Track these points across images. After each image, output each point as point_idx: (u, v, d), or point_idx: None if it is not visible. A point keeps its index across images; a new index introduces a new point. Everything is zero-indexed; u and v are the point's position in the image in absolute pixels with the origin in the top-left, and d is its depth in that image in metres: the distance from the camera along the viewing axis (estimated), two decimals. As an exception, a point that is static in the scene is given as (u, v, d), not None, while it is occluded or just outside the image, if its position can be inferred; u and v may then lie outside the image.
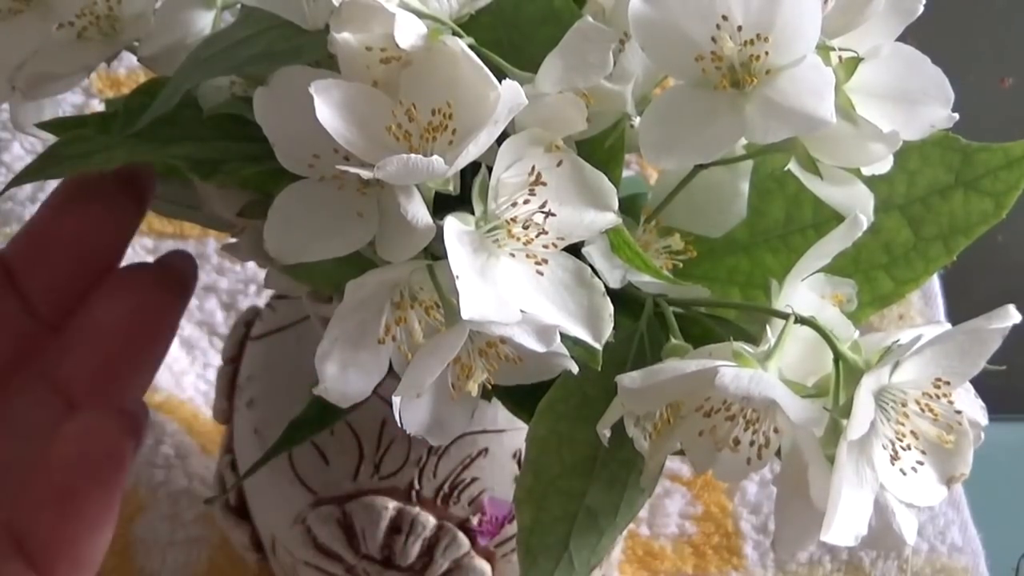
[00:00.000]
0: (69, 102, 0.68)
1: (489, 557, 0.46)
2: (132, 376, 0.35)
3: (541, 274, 0.30)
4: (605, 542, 0.35)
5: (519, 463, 0.45)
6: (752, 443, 0.31)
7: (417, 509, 0.45)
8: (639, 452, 0.33)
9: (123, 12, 0.36)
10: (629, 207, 0.33)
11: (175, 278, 0.36)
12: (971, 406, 0.31)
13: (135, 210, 0.36)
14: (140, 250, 0.66)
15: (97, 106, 0.69)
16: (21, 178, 0.35)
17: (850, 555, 0.59)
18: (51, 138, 0.37)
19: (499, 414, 0.43)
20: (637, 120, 0.32)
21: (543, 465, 0.34)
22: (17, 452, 0.33)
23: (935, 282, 0.67)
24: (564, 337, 0.30)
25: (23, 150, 0.68)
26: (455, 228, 0.28)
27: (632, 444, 0.33)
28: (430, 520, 0.45)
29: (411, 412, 0.32)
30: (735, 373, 0.29)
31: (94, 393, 0.34)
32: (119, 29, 0.36)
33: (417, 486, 0.45)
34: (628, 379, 0.30)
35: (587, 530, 0.34)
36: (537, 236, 0.30)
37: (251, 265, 0.64)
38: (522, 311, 0.29)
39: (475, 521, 0.45)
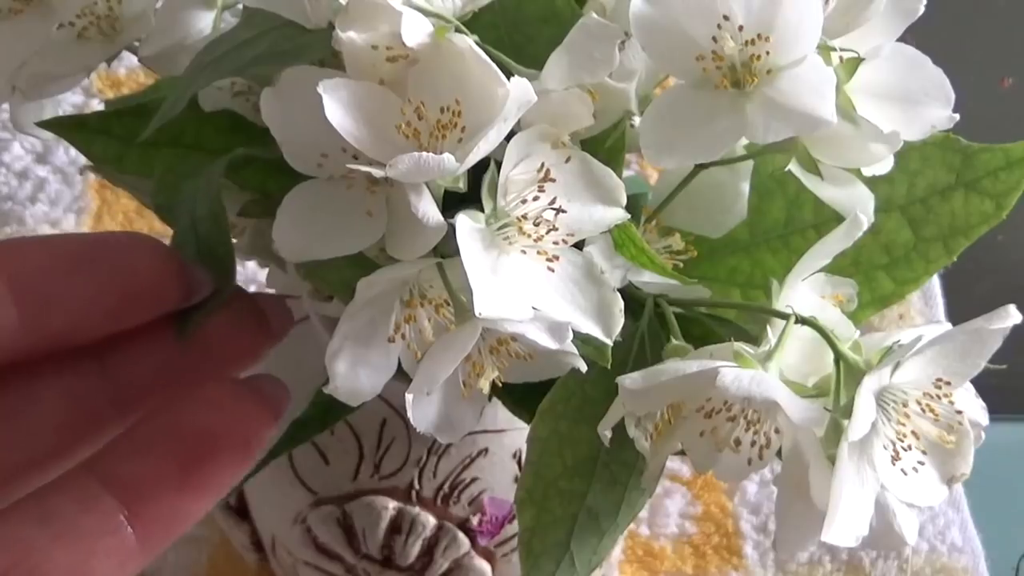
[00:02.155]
0: (69, 102, 0.68)
1: (489, 557, 0.46)
2: (202, 493, 0.32)
3: (552, 270, 0.30)
4: (606, 542, 0.35)
5: (519, 463, 0.45)
6: (753, 443, 0.31)
7: (417, 509, 0.45)
8: (640, 453, 0.33)
9: (123, 12, 0.36)
10: (629, 207, 0.33)
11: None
12: (972, 406, 0.31)
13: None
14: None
15: (97, 106, 0.69)
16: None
17: (850, 555, 0.59)
18: (51, 138, 0.37)
19: (499, 414, 0.43)
20: (638, 119, 0.32)
21: (544, 466, 0.34)
22: (54, 558, 0.29)
23: (935, 282, 0.67)
24: (573, 334, 0.30)
25: (23, 150, 0.68)
26: (466, 226, 0.28)
27: (633, 445, 0.33)
28: (430, 520, 0.45)
29: (421, 410, 0.31)
30: (736, 374, 0.29)
31: (158, 502, 0.31)
32: (119, 29, 0.36)
33: (417, 486, 0.45)
34: (629, 380, 0.30)
35: (588, 530, 0.34)
36: (547, 233, 0.30)
37: (251, 265, 0.64)
38: (534, 308, 0.29)
39: (475, 521, 0.45)
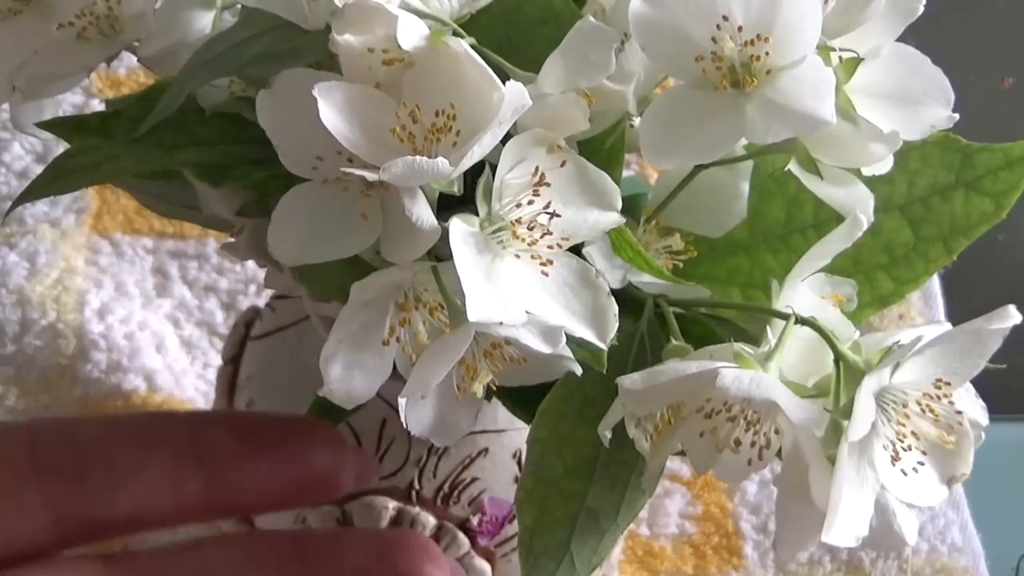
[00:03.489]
0: (69, 102, 0.68)
1: (489, 557, 0.46)
2: None
3: (546, 275, 0.30)
4: (606, 543, 0.35)
5: (519, 463, 0.45)
6: (753, 444, 0.31)
7: (417, 509, 0.45)
8: (640, 453, 0.33)
9: (123, 12, 0.36)
10: (629, 207, 0.33)
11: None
12: (972, 406, 0.31)
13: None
14: (140, 250, 0.66)
15: (97, 106, 0.69)
16: (28, 195, 0.35)
17: (850, 555, 0.59)
18: (51, 138, 0.37)
19: (499, 414, 0.43)
20: (637, 120, 0.32)
21: (544, 466, 0.34)
22: None
23: (935, 282, 0.67)
24: (568, 338, 0.30)
25: (23, 150, 0.68)
26: (460, 229, 0.28)
27: (633, 445, 0.33)
28: (430, 520, 0.45)
29: (416, 413, 0.32)
30: (736, 375, 0.29)
31: None
32: (119, 29, 0.36)
33: (417, 486, 0.45)
34: (629, 381, 0.30)
35: (588, 531, 0.34)
36: (542, 237, 0.30)
37: (251, 265, 0.64)
38: (527, 312, 0.29)
39: (475, 521, 0.45)
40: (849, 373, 0.31)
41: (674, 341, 0.33)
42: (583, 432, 0.34)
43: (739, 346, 0.31)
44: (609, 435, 0.32)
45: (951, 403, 0.31)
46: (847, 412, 0.29)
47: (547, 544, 0.34)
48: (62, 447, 0.33)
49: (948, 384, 0.31)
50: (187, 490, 0.34)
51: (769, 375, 0.30)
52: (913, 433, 0.31)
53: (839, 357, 0.31)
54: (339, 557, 0.34)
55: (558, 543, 0.34)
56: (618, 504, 0.35)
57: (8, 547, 0.32)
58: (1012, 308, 0.30)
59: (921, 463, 0.31)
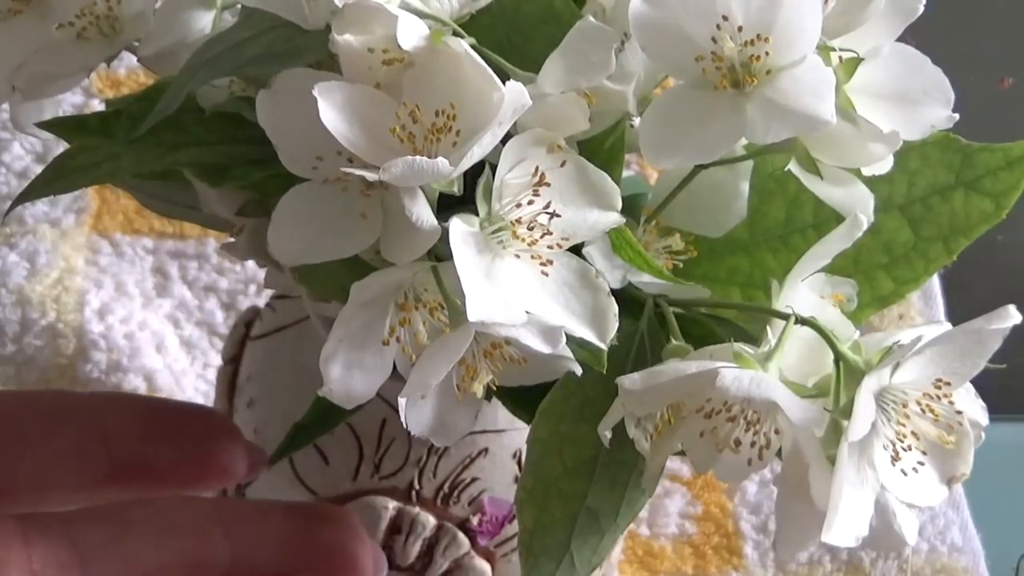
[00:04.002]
0: (69, 102, 0.68)
1: (489, 557, 0.46)
2: None
3: (546, 275, 0.30)
4: (606, 543, 0.35)
5: (519, 463, 0.45)
6: (753, 444, 0.31)
7: (417, 509, 0.45)
8: (640, 453, 0.33)
9: (123, 12, 0.36)
10: (629, 207, 0.33)
11: None
12: (971, 406, 0.31)
13: None
14: (140, 250, 0.66)
15: (97, 106, 0.69)
16: (27, 194, 0.35)
17: (850, 555, 0.59)
18: (51, 138, 0.37)
19: (499, 414, 0.43)
20: (637, 120, 0.32)
21: (544, 466, 0.34)
22: None
23: (935, 282, 0.67)
24: (568, 338, 0.30)
25: (23, 150, 0.68)
26: (460, 229, 0.29)
27: (633, 445, 0.33)
28: (430, 520, 0.45)
29: (416, 413, 0.32)
30: (736, 375, 0.29)
31: None
32: (119, 29, 0.36)
33: (417, 486, 0.45)
34: (629, 381, 0.30)
35: (588, 531, 0.34)
36: (542, 237, 0.30)
37: (251, 265, 0.64)
38: (527, 312, 0.29)
39: (475, 521, 0.45)
40: (849, 373, 0.31)
41: (674, 341, 0.33)
42: (583, 432, 0.34)
43: (739, 346, 0.31)
44: (609, 435, 0.32)
45: (951, 403, 0.31)
46: (847, 412, 0.29)
47: (547, 544, 0.34)
48: None
49: (948, 384, 0.31)
50: (92, 467, 0.35)
51: (769, 375, 0.30)
52: (913, 433, 0.31)
53: (839, 357, 0.31)
54: (264, 526, 0.35)
55: (558, 543, 0.34)
56: (618, 504, 0.35)
57: None
58: (1012, 308, 0.30)
59: (921, 463, 0.31)
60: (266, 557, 0.34)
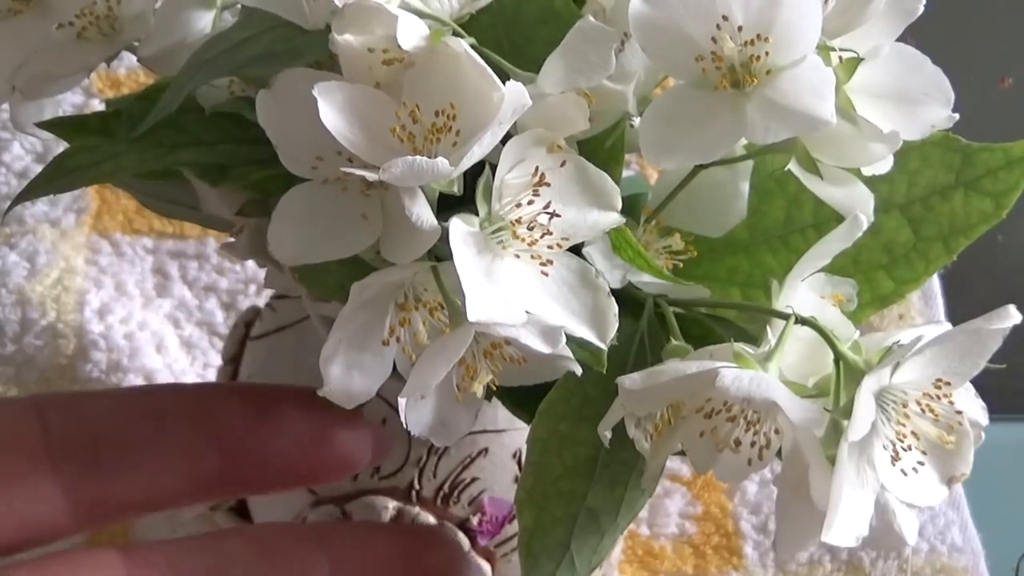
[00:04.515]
0: (69, 102, 0.68)
1: (489, 557, 0.46)
2: None
3: (546, 275, 0.30)
4: (606, 543, 0.35)
5: (519, 463, 0.45)
6: (753, 444, 0.31)
7: (417, 509, 0.45)
8: (640, 453, 0.33)
9: (123, 12, 0.36)
10: (629, 207, 0.33)
11: None
12: (971, 406, 0.31)
13: None
14: (140, 250, 0.66)
15: (97, 106, 0.69)
16: (27, 193, 0.35)
17: (850, 555, 0.59)
18: (51, 138, 0.37)
19: (499, 414, 0.43)
20: (637, 120, 0.32)
21: (544, 466, 0.34)
22: None
23: (935, 282, 0.67)
24: (568, 338, 0.30)
25: (23, 150, 0.68)
26: (460, 229, 0.29)
27: (633, 445, 0.33)
28: (430, 520, 0.45)
29: (416, 413, 0.32)
30: (736, 375, 0.29)
31: None
32: (119, 29, 0.36)
33: (417, 486, 0.45)
34: (629, 381, 0.30)
35: (588, 531, 0.34)
36: (542, 237, 0.30)
37: (251, 265, 0.64)
38: (527, 312, 0.29)
39: (475, 521, 0.45)
40: (849, 373, 0.31)
41: (674, 341, 0.33)
42: (583, 432, 0.34)
43: (739, 346, 0.31)
44: (609, 435, 0.32)
45: (951, 403, 0.31)
46: (847, 412, 0.29)
47: (547, 544, 0.34)
48: (73, 426, 0.32)
49: (948, 384, 0.31)
50: (203, 466, 0.33)
51: (769, 375, 0.30)
52: (913, 433, 0.31)
53: (839, 357, 0.31)
54: (366, 550, 0.34)
55: (558, 543, 0.34)
56: (618, 504, 0.35)
57: (22, 531, 0.31)
58: (1012, 308, 0.30)
59: (921, 463, 0.31)
60: None
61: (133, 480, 0.32)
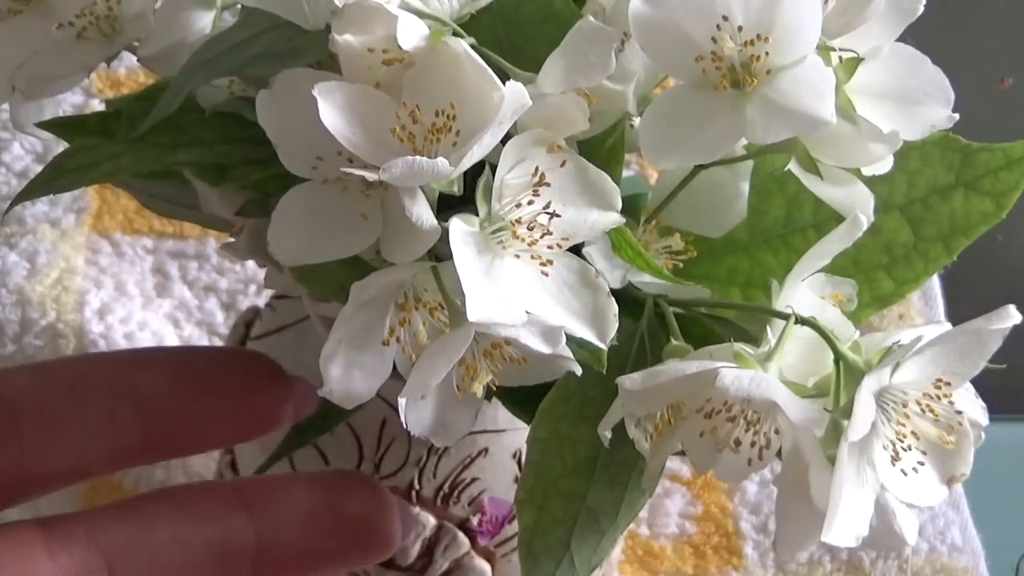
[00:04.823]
0: (69, 102, 0.68)
1: (489, 557, 0.46)
2: None
3: (546, 275, 0.30)
4: (606, 543, 0.35)
5: (519, 463, 0.45)
6: (753, 444, 0.31)
7: (417, 509, 0.45)
8: (640, 453, 0.33)
9: (123, 12, 0.36)
10: (629, 207, 0.33)
11: None
12: (971, 406, 0.31)
13: None
14: (140, 250, 0.66)
15: (97, 106, 0.69)
16: (27, 193, 0.35)
17: (850, 555, 0.59)
18: (51, 138, 0.37)
19: (499, 414, 0.43)
20: (637, 120, 0.32)
21: (544, 466, 0.34)
22: None
23: (935, 282, 0.67)
24: (568, 338, 0.30)
25: (23, 150, 0.68)
26: (460, 229, 0.29)
27: (633, 445, 0.33)
28: (430, 520, 0.45)
29: (416, 413, 0.32)
30: (736, 375, 0.29)
31: None
32: (119, 29, 0.36)
33: (417, 486, 0.45)
34: (628, 381, 0.30)
35: (588, 531, 0.34)
36: (542, 237, 0.30)
37: (251, 265, 0.64)
38: (528, 312, 0.29)
39: (475, 521, 0.45)
40: (849, 373, 0.31)
41: (674, 341, 0.33)
42: (583, 432, 0.34)
43: (739, 346, 0.31)
44: (609, 435, 0.32)
45: (951, 403, 0.31)
46: (847, 412, 0.29)
47: (547, 544, 0.34)
48: None
49: (948, 384, 0.31)
50: (125, 434, 0.33)
51: (769, 375, 0.30)
52: (913, 433, 0.31)
53: (839, 357, 0.31)
54: (288, 503, 0.34)
55: (558, 543, 0.34)
56: (618, 504, 0.35)
57: None
58: (1012, 308, 0.30)
59: (921, 463, 0.31)
60: (293, 534, 0.33)
61: (54, 451, 0.32)
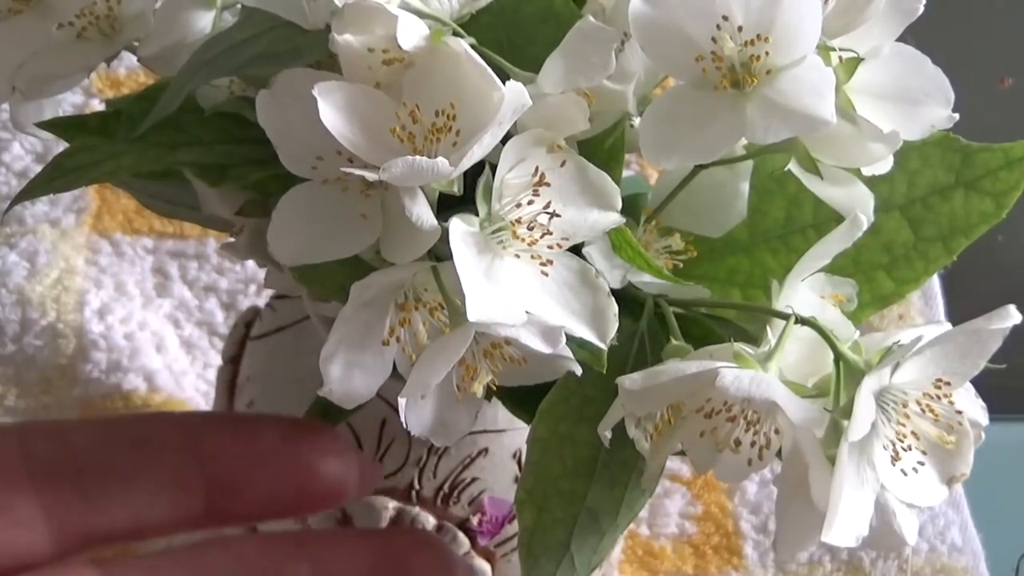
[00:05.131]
0: (69, 102, 0.68)
1: (489, 557, 0.46)
2: None
3: (546, 275, 0.30)
4: (606, 543, 0.35)
5: (519, 463, 0.45)
6: (753, 444, 0.31)
7: (417, 509, 0.45)
8: (640, 453, 0.33)
9: (123, 12, 0.36)
10: (629, 207, 0.33)
11: None
12: (971, 406, 0.31)
13: None
14: (140, 250, 0.66)
15: (97, 106, 0.69)
16: (27, 193, 0.35)
17: (850, 555, 0.59)
18: (51, 138, 0.37)
19: (499, 414, 0.43)
20: (637, 120, 0.32)
21: (544, 466, 0.34)
22: None
23: (935, 282, 0.67)
24: (568, 338, 0.30)
25: (23, 150, 0.68)
26: (460, 229, 0.29)
27: (633, 445, 0.33)
28: (430, 520, 0.45)
29: (416, 413, 0.32)
30: (736, 375, 0.29)
31: None
32: (119, 29, 0.36)
33: (417, 486, 0.45)
34: (628, 381, 0.30)
35: (588, 531, 0.34)
36: (542, 237, 0.30)
37: (251, 265, 0.64)
38: (528, 312, 0.29)
39: (475, 521, 0.45)
40: (849, 373, 0.31)
41: (674, 341, 0.33)
42: (583, 432, 0.34)
43: (739, 346, 0.31)
44: (609, 435, 0.32)
45: (951, 403, 0.31)
46: (847, 412, 0.29)
47: (547, 544, 0.34)
48: (57, 453, 0.32)
49: (948, 384, 0.31)
50: (188, 498, 0.33)
51: (769, 375, 0.30)
52: (913, 433, 0.31)
53: (839, 357, 0.31)
54: (347, 558, 0.33)
55: (558, 543, 0.34)
56: (618, 504, 0.35)
57: (4, 558, 0.31)
58: (1012, 308, 0.30)
59: (921, 463, 0.31)
60: None
61: (116, 509, 0.32)
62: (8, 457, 0.32)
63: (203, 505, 0.33)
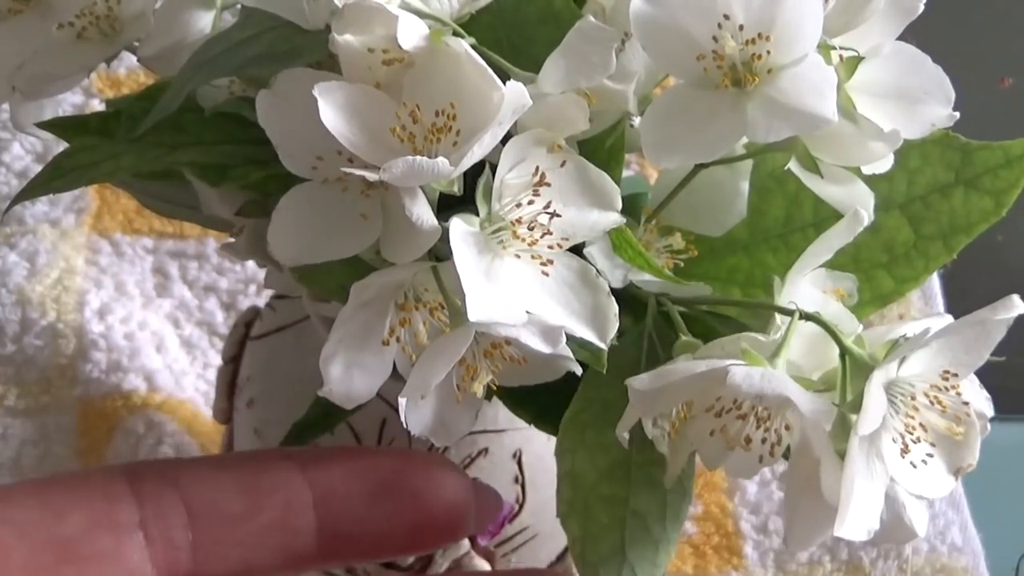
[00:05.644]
0: (69, 102, 0.68)
1: (489, 557, 0.46)
2: None
3: (546, 275, 0.30)
4: (663, 555, 0.34)
5: (519, 463, 0.45)
6: (764, 441, 0.31)
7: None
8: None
9: (123, 12, 0.36)
10: (630, 207, 0.33)
11: None
12: (976, 397, 0.31)
13: None
14: (140, 250, 0.66)
15: (97, 106, 0.69)
16: (27, 193, 0.35)
17: (850, 555, 0.59)
18: (51, 138, 0.37)
19: (499, 414, 0.43)
20: (638, 120, 0.32)
21: (579, 475, 0.34)
22: None
23: (935, 281, 0.67)
24: (568, 338, 0.30)
25: (23, 150, 0.68)
26: (460, 229, 0.29)
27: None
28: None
29: (416, 414, 0.32)
30: (746, 372, 0.29)
31: None
32: (119, 29, 0.36)
33: (418, 486, 0.45)
34: (637, 382, 0.30)
35: (641, 536, 0.34)
36: (542, 237, 0.30)
37: (251, 265, 0.64)
38: (528, 312, 0.29)
39: (476, 521, 0.45)
40: (856, 367, 0.31)
41: (683, 337, 0.33)
42: (609, 436, 0.33)
43: (747, 337, 0.31)
44: (627, 437, 0.32)
45: (958, 394, 0.31)
46: (855, 406, 0.29)
47: (600, 552, 0.33)
48: (167, 496, 0.31)
49: (955, 375, 0.31)
50: (299, 539, 0.32)
51: (779, 371, 0.30)
52: (922, 425, 0.31)
53: (845, 351, 0.31)
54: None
55: (612, 549, 0.33)
56: (662, 505, 0.34)
57: None
58: (1016, 298, 0.30)
59: (930, 455, 0.31)
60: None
61: (226, 553, 0.31)
62: (119, 501, 0.31)
63: (314, 545, 0.32)
